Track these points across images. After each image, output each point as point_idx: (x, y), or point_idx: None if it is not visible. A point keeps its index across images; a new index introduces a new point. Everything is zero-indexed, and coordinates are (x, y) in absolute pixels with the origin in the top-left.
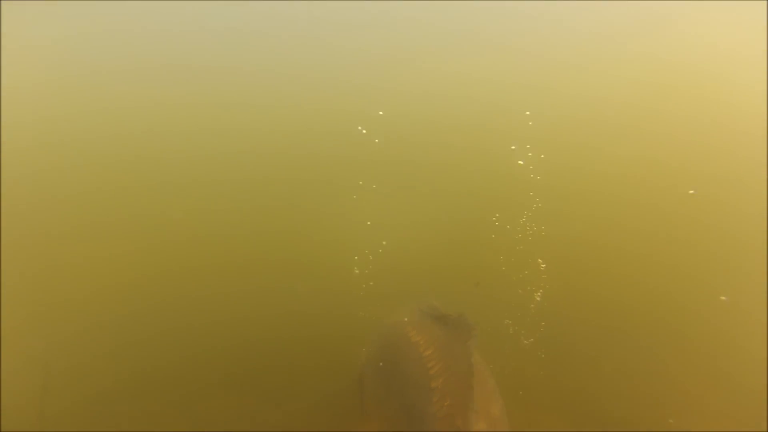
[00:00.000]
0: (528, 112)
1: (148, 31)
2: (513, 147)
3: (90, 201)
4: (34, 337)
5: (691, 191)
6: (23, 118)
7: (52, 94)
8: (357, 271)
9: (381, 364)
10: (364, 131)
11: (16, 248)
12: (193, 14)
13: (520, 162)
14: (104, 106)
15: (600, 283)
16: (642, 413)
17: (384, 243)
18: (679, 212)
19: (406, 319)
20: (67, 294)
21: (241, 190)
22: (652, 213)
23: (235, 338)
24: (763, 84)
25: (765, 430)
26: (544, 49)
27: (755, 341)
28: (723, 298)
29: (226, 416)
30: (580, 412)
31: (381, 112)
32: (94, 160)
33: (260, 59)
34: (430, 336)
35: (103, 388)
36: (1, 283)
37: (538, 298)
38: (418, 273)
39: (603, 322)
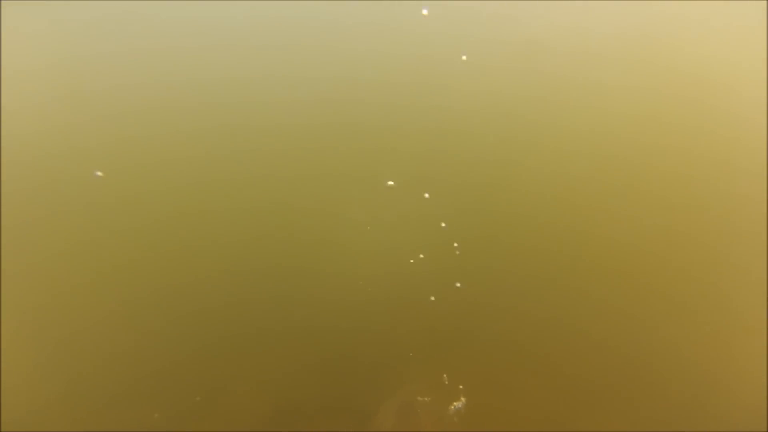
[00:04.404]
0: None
1: (150, 29)
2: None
3: (90, 201)
4: (34, 335)
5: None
6: (24, 117)
7: (52, 94)
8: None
9: None
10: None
11: (16, 248)
12: (197, 10)
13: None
14: (105, 106)
15: (604, 282)
16: (639, 413)
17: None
18: (679, 213)
19: None
20: (67, 292)
21: (246, 190)
22: (651, 213)
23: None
24: (764, 84)
25: (765, 430)
26: (542, 47)
27: (755, 339)
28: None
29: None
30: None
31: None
32: (95, 159)
33: (265, 54)
34: None
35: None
36: (1, 283)
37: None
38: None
39: (603, 321)
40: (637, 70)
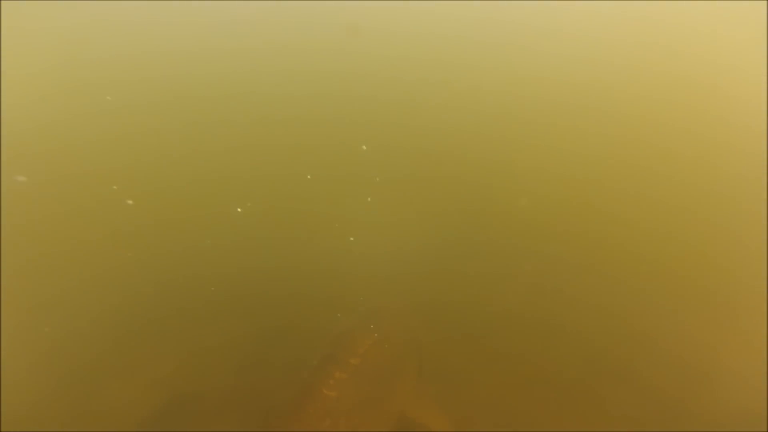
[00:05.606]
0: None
1: (151, 26)
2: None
3: (90, 200)
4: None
5: None
6: (24, 117)
7: (52, 94)
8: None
9: None
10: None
11: (16, 248)
12: (196, 7)
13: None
14: (105, 105)
15: (607, 280)
16: (637, 413)
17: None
18: (679, 211)
19: None
20: (65, 288)
21: (240, 185)
22: (651, 213)
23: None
24: (764, 84)
25: (765, 430)
26: (541, 46)
27: (754, 340)
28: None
29: None
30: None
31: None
32: (95, 157)
33: (260, 49)
34: None
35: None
36: (1, 282)
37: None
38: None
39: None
40: (635, 70)
